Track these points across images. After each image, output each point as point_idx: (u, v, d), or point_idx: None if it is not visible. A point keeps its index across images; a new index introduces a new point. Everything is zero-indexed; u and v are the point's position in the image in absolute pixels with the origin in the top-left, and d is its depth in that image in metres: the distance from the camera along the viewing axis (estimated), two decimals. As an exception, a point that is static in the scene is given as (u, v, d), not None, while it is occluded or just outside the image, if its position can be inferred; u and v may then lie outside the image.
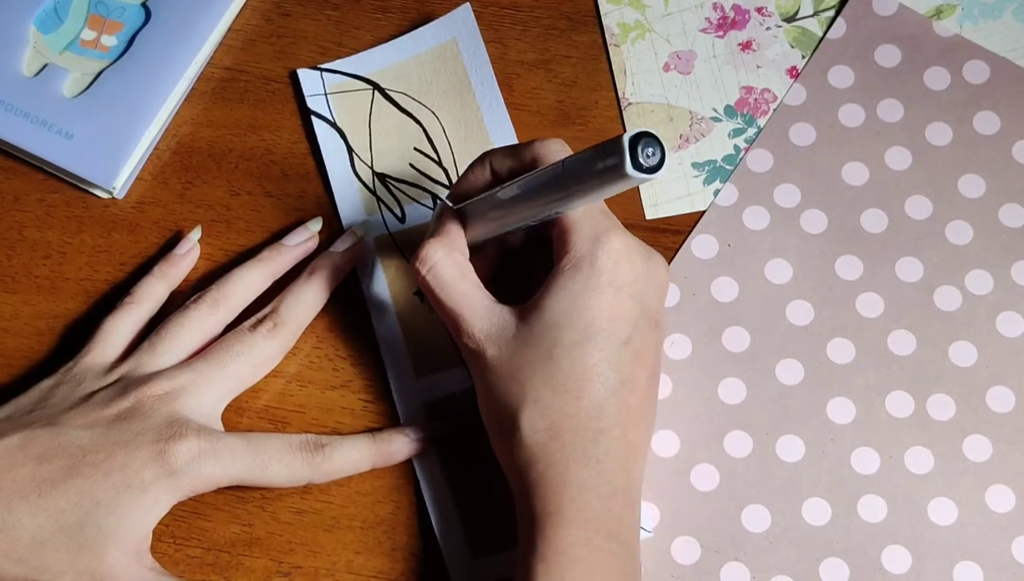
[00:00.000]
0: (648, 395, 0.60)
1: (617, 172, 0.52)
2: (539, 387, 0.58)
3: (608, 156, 0.53)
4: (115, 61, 0.73)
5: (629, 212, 0.70)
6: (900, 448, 0.65)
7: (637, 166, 0.52)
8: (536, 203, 0.58)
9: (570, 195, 0.56)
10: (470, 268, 0.62)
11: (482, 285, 0.62)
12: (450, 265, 0.61)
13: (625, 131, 0.51)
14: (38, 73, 0.72)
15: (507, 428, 0.59)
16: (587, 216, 0.60)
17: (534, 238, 0.65)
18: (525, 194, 0.59)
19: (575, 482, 0.58)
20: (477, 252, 0.64)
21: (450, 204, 0.63)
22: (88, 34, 0.74)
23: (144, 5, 0.74)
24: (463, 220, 0.63)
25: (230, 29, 0.75)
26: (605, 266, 0.59)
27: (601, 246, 0.59)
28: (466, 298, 0.61)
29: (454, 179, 0.71)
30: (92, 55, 0.73)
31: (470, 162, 0.64)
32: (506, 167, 0.62)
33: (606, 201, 0.61)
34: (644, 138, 0.52)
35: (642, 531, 0.64)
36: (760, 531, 0.64)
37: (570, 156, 0.56)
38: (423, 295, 0.69)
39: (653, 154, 0.52)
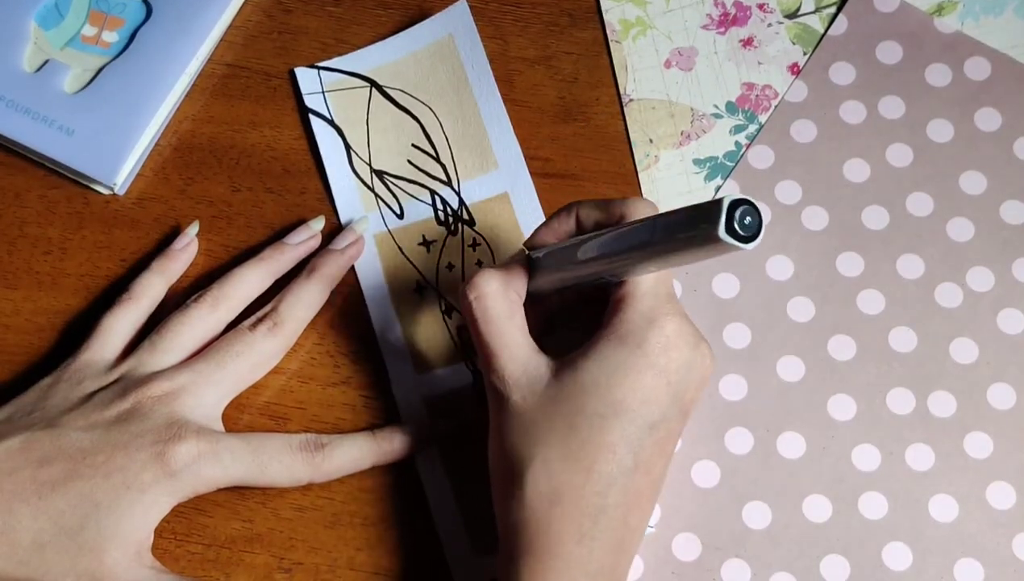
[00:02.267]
0: (658, 481, 0.59)
1: (709, 235, 0.50)
2: (552, 448, 0.57)
3: (703, 218, 0.50)
4: (116, 57, 0.73)
5: (630, 209, 0.70)
6: (901, 445, 0.65)
7: (732, 233, 0.49)
8: (616, 260, 0.56)
9: (654, 254, 0.54)
10: (521, 310, 0.60)
11: (527, 330, 0.60)
12: (500, 300, 0.59)
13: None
14: (39, 69, 0.72)
15: (511, 480, 0.58)
16: (652, 291, 0.58)
17: (591, 295, 0.62)
18: (607, 249, 0.57)
19: (565, 556, 0.56)
20: (537, 301, 0.62)
21: (526, 250, 0.61)
22: (89, 30, 0.74)
23: (145, 1, 0.74)
24: (532, 267, 0.61)
25: (231, 25, 0.75)
26: (652, 349, 0.57)
27: (655, 327, 0.57)
28: (506, 338, 0.59)
29: (452, 175, 0.71)
30: (93, 51, 0.73)
31: (556, 210, 0.62)
32: (593, 220, 0.60)
33: None
34: (744, 205, 0.49)
35: (643, 527, 0.64)
36: (761, 528, 0.64)
37: (662, 214, 0.54)
38: (422, 290, 0.69)
39: (751, 223, 0.50)
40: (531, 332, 0.60)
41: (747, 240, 0.50)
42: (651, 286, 0.58)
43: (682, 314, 0.59)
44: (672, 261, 0.54)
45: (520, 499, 0.57)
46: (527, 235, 0.69)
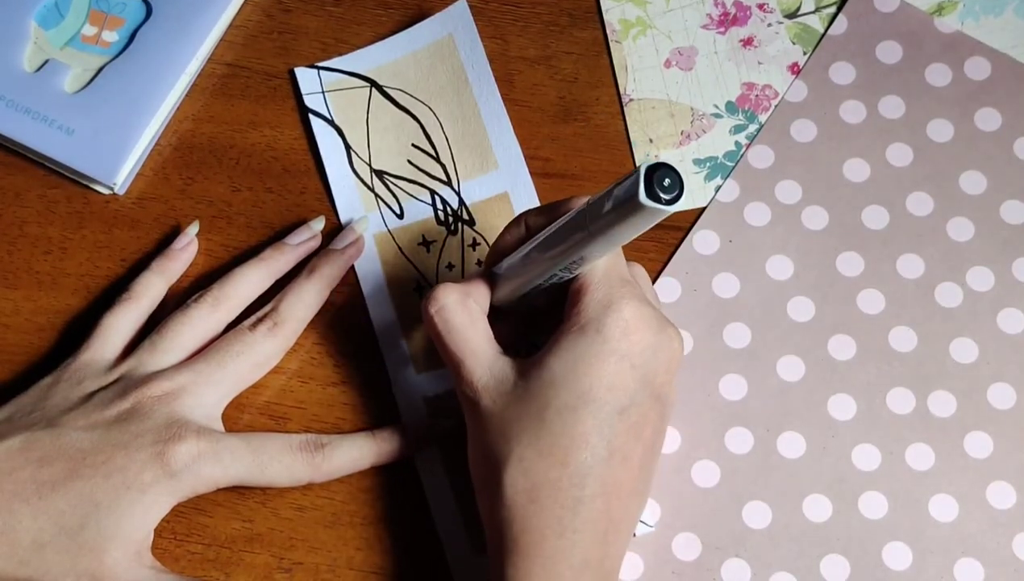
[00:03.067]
0: (641, 470, 0.58)
1: (632, 202, 0.51)
2: (525, 446, 0.57)
3: (624, 189, 0.51)
4: (116, 57, 0.73)
5: (630, 208, 0.70)
6: (901, 444, 0.65)
7: (653, 197, 0.50)
8: (559, 254, 0.57)
9: (590, 236, 0.54)
10: (483, 319, 0.61)
11: (491, 337, 0.60)
12: (460, 310, 0.60)
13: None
14: (39, 69, 0.72)
15: (490, 482, 0.58)
16: (604, 280, 0.58)
17: (557, 300, 0.62)
18: (548, 244, 0.57)
19: (548, 551, 0.56)
20: (506, 315, 0.63)
21: (479, 265, 0.62)
22: (89, 30, 0.74)
23: (145, 1, 0.74)
24: (493, 280, 0.62)
25: (231, 25, 0.75)
26: (612, 333, 0.57)
27: (611, 312, 0.57)
28: (471, 345, 0.59)
29: (452, 175, 0.71)
30: (93, 51, 0.73)
31: (507, 224, 0.62)
32: (539, 224, 0.60)
33: None
34: (661, 169, 0.50)
35: (644, 525, 0.64)
36: (761, 527, 0.64)
37: (590, 197, 0.55)
38: (422, 290, 0.69)
39: (671, 186, 0.50)
40: (505, 348, 0.61)
41: (670, 202, 0.51)
42: (603, 274, 0.59)
43: (640, 298, 0.59)
44: (611, 240, 0.54)
45: (500, 499, 0.57)
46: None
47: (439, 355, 0.68)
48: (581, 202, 0.58)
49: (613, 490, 0.57)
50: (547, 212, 0.60)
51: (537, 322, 0.64)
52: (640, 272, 0.63)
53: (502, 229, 0.62)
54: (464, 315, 0.60)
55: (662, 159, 0.51)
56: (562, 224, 0.57)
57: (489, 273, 0.62)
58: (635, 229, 0.53)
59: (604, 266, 0.59)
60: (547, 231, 0.58)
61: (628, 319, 0.57)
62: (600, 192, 0.54)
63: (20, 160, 0.73)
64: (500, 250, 0.62)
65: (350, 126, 0.72)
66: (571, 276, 0.59)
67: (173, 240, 0.69)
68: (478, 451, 0.59)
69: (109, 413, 0.62)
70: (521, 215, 0.62)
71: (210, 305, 0.66)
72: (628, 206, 0.51)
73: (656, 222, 0.52)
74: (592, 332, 0.57)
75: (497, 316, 0.63)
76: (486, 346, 0.60)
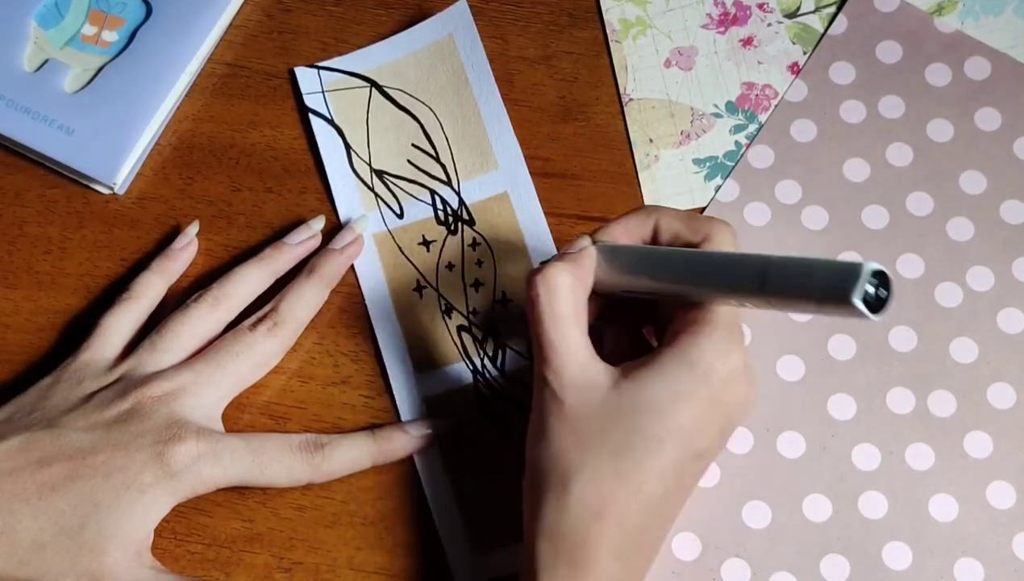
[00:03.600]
0: (686, 500, 0.60)
1: (840, 299, 0.48)
2: (604, 462, 0.56)
3: (833, 278, 0.49)
4: (116, 57, 0.73)
5: (630, 208, 0.70)
6: (901, 444, 0.65)
7: (866, 299, 0.48)
8: (708, 289, 0.56)
9: (758, 300, 0.53)
10: (585, 311, 0.59)
11: (587, 332, 0.59)
12: (569, 297, 0.58)
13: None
14: (39, 68, 0.72)
15: (554, 485, 0.57)
16: (727, 321, 0.57)
17: (656, 311, 0.62)
18: (704, 276, 0.56)
19: (602, 571, 0.56)
20: (592, 296, 0.62)
21: (593, 243, 0.60)
22: (89, 29, 0.74)
23: (145, 1, 0.74)
24: (598, 260, 0.60)
25: (231, 25, 0.75)
26: (718, 380, 0.57)
27: (724, 359, 0.57)
28: (569, 339, 0.58)
29: (452, 175, 0.71)
30: (93, 51, 0.73)
31: (633, 209, 0.61)
32: (673, 231, 0.60)
33: None
34: (881, 276, 0.48)
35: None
36: (761, 527, 0.64)
37: (777, 258, 0.53)
38: (421, 290, 0.69)
39: (885, 295, 0.48)
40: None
41: (874, 310, 0.49)
42: (729, 316, 0.58)
43: (744, 348, 0.58)
44: (774, 307, 0.53)
45: (564, 507, 0.56)
46: (527, 235, 0.69)
47: (439, 355, 0.68)
48: (725, 235, 0.58)
49: (668, 521, 0.58)
50: (685, 223, 0.59)
51: (612, 311, 0.63)
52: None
53: (625, 213, 0.61)
54: (572, 304, 0.58)
55: (882, 267, 0.49)
56: (727, 265, 0.55)
57: (598, 249, 0.60)
58: (814, 313, 0.52)
59: (730, 308, 0.58)
60: (699, 257, 0.56)
61: (734, 370, 0.57)
62: (785, 260, 0.52)
63: (20, 160, 0.73)
64: (616, 236, 0.61)
65: (350, 126, 0.72)
66: (694, 300, 0.57)
67: (173, 240, 0.69)
68: (546, 450, 0.58)
69: (109, 413, 0.62)
70: (653, 210, 0.61)
71: (210, 305, 0.66)
72: (830, 297, 0.49)
73: (845, 317, 0.50)
74: (701, 373, 0.56)
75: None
76: (584, 342, 0.58)
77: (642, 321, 0.64)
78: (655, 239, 0.61)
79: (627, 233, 0.61)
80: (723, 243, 0.59)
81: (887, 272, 0.49)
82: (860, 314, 0.49)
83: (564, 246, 0.61)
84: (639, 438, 0.56)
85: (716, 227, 0.59)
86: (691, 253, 0.57)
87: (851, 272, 0.49)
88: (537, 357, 0.59)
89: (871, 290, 0.49)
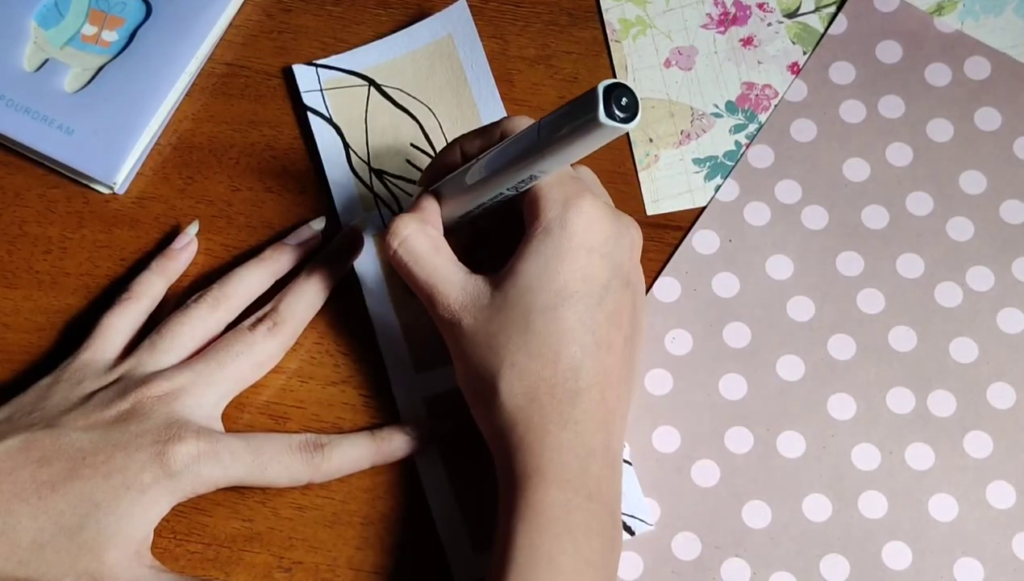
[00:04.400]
0: (625, 357, 0.61)
1: (591, 122, 0.53)
2: (515, 352, 0.59)
3: (582, 108, 0.53)
4: (116, 56, 0.73)
5: (630, 208, 0.70)
6: (901, 444, 0.65)
7: (611, 115, 0.52)
8: (511, 171, 0.59)
9: (545, 155, 0.57)
10: (444, 242, 0.62)
11: (455, 258, 0.62)
12: (423, 239, 0.62)
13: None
14: (39, 68, 0.72)
15: (485, 394, 0.60)
16: (557, 182, 0.60)
17: (505, 214, 0.65)
18: (499, 162, 0.59)
19: (553, 444, 0.58)
20: (452, 234, 0.64)
21: (419, 187, 0.64)
22: (89, 29, 0.74)
23: (145, 1, 0.74)
24: (438, 201, 0.64)
25: (231, 25, 0.75)
26: (576, 229, 0.59)
27: (571, 209, 0.59)
28: (440, 271, 0.61)
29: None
30: (93, 50, 0.73)
31: (439, 152, 0.65)
32: (476, 147, 0.63)
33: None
34: (619, 88, 0.52)
35: (643, 523, 0.64)
36: (761, 527, 0.64)
37: (544, 117, 0.57)
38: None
39: (628, 104, 0.52)
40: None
41: (626, 120, 0.53)
42: (556, 177, 0.60)
43: (592, 191, 0.61)
44: (564, 158, 0.57)
45: (500, 406, 0.59)
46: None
47: (438, 355, 0.68)
48: (523, 122, 0.61)
49: (604, 379, 0.59)
50: (482, 135, 0.63)
51: (482, 243, 0.66)
52: (586, 172, 0.65)
53: (436, 154, 0.65)
54: (427, 242, 0.62)
55: (616, 80, 0.53)
56: (511, 143, 0.59)
57: (431, 193, 0.64)
58: (589, 147, 0.55)
59: (551, 176, 0.61)
60: (493, 151, 0.60)
61: (588, 213, 0.60)
62: (552, 112, 0.56)
63: (20, 160, 0.73)
64: (436, 173, 0.64)
65: (349, 125, 0.72)
66: (516, 194, 0.61)
67: (171, 239, 0.69)
68: (468, 370, 0.61)
69: (109, 413, 0.62)
70: (455, 141, 0.64)
71: (210, 305, 0.66)
72: (585, 124, 0.53)
73: (609, 140, 0.54)
74: (557, 230, 0.59)
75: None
76: (454, 268, 0.61)
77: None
78: (466, 161, 0.63)
79: (443, 166, 0.64)
80: (521, 129, 0.61)
81: (624, 83, 0.53)
82: (615, 128, 0.53)
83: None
84: (535, 315, 0.59)
85: (507, 123, 0.62)
86: (486, 154, 0.61)
87: (591, 96, 0.53)
88: (425, 303, 0.62)
89: (618, 104, 0.53)
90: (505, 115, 0.63)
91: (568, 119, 0.55)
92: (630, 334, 0.61)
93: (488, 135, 0.63)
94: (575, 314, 0.59)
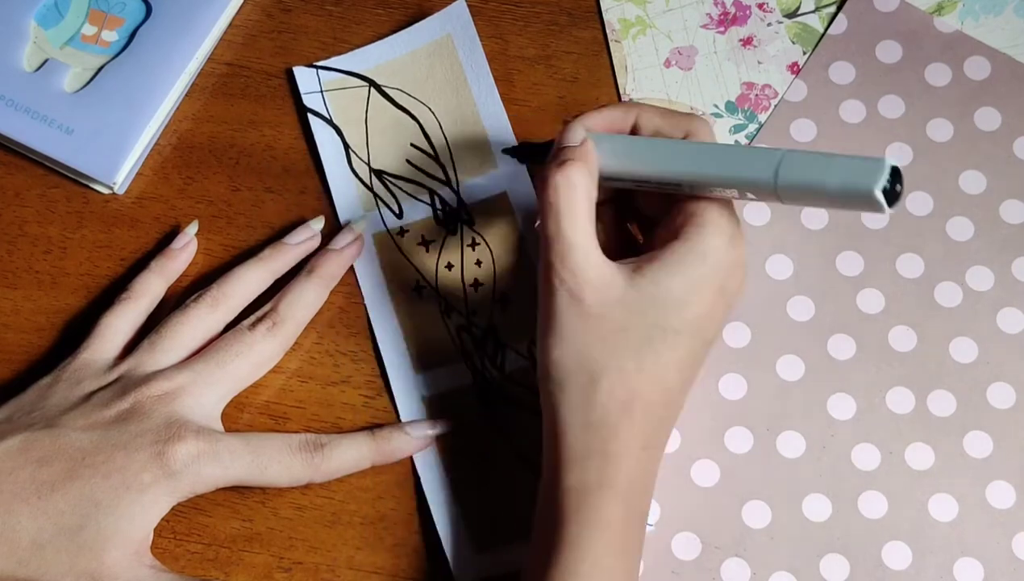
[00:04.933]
0: (688, 394, 0.61)
1: (864, 193, 0.51)
2: (627, 358, 0.58)
3: (859, 172, 0.52)
4: (116, 56, 0.73)
5: (630, 208, 0.70)
6: (901, 444, 0.65)
7: (887, 194, 0.51)
8: (712, 178, 0.57)
9: (766, 191, 0.55)
10: (594, 211, 0.60)
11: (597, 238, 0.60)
12: (587, 197, 0.59)
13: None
14: (39, 68, 0.72)
15: (580, 385, 0.58)
16: (729, 212, 0.59)
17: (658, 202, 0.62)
18: (710, 163, 0.57)
19: (634, 461, 0.58)
20: None
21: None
22: (89, 29, 0.74)
23: (145, 0, 0.74)
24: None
25: (231, 25, 0.75)
26: (729, 270, 0.59)
27: (734, 249, 0.59)
28: (587, 237, 0.59)
29: (451, 175, 0.71)
30: (93, 50, 0.73)
31: (608, 105, 0.62)
32: (654, 127, 0.61)
33: None
34: (896, 171, 0.52)
35: (644, 524, 0.64)
36: (760, 527, 0.64)
37: (792, 151, 0.55)
38: (421, 290, 0.69)
39: (900, 190, 0.51)
40: None
41: (893, 202, 0.52)
42: (730, 206, 0.60)
43: (743, 235, 0.60)
44: (777, 199, 0.56)
45: (594, 403, 0.58)
46: (525, 235, 0.69)
47: (438, 355, 0.68)
48: (701, 127, 0.60)
49: (679, 411, 0.60)
50: (666, 120, 0.61)
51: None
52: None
53: (602, 106, 0.62)
54: (588, 204, 0.59)
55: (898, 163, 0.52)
56: (737, 158, 0.56)
57: (595, 139, 0.61)
58: (828, 206, 0.55)
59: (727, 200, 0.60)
60: (705, 149, 0.57)
61: (738, 258, 0.59)
62: (803, 154, 0.54)
63: (20, 159, 0.73)
64: (597, 127, 0.61)
65: (349, 125, 0.72)
66: (687, 193, 0.59)
67: (171, 239, 0.69)
68: (570, 348, 0.58)
69: (108, 413, 0.62)
70: (633, 107, 0.62)
71: (209, 305, 0.66)
72: (857, 193, 0.52)
73: (857, 210, 0.53)
74: (712, 263, 0.58)
75: None
76: (595, 242, 0.59)
77: (626, 216, 0.65)
78: (634, 134, 0.62)
79: (607, 125, 0.62)
80: (704, 138, 0.60)
81: (901, 169, 0.52)
82: (879, 206, 0.52)
83: (558, 137, 0.61)
84: (658, 332, 0.58)
85: (696, 123, 0.61)
86: (698, 145, 0.59)
87: (874, 166, 0.52)
88: (551, 256, 0.59)
89: (888, 185, 0.52)
90: (693, 115, 0.61)
91: (828, 177, 0.53)
92: None
93: (673, 124, 0.60)
94: (691, 349, 0.59)
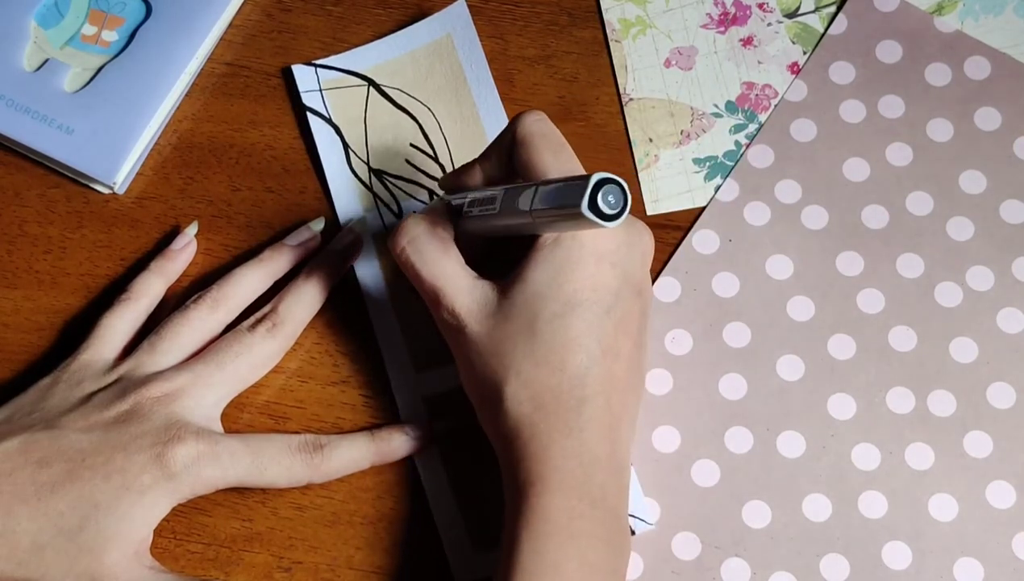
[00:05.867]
0: (632, 364, 0.60)
1: (572, 210, 0.52)
2: (521, 360, 0.59)
3: (570, 192, 0.53)
4: (116, 56, 0.73)
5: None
6: (901, 444, 0.65)
7: (595, 209, 0.52)
8: (512, 222, 0.59)
9: (534, 224, 0.57)
10: (453, 246, 0.62)
11: (463, 262, 0.62)
12: (432, 240, 0.61)
13: (591, 174, 0.52)
14: (39, 68, 0.72)
15: (491, 400, 0.59)
16: None
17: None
18: (503, 211, 0.59)
19: (558, 451, 0.58)
20: (463, 242, 0.64)
21: (440, 194, 0.64)
22: (89, 29, 0.74)
23: (145, 0, 0.74)
24: (451, 210, 0.63)
25: (231, 25, 0.75)
26: (587, 236, 0.59)
27: (614, 233, 0.59)
28: (447, 273, 0.61)
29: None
30: (93, 50, 0.73)
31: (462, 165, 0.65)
32: (493, 166, 0.63)
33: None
34: (609, 184, 0.52)
35: (644, 523, 0.64)
36: (761, 527, 0.64)
37: (542, 183, 0.56)
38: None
39: (616, 203, 0.52)
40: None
41: (609, 218, 0.52)
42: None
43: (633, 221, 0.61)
44: (553, 229, 0.57)
45: (505, 413, 0.59)
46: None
47: (439, 355, 0.68)
48: (533, 120, 0.61)
49: (611, 386, 0.59)
50: (495, 149, 0.62)
51: (493, 253, 0.65)
52: None
53: (460, 167, 0.64)
54: (436, 244, 0.61)
55: (610, 175, 0.52)
56: (510, 204, 0.58)
57: (446, 204, 0.63)
58: (574, 229, 0.56)
59: None
60: (499, 207, 0.59)
61: (628, 238, 0.60)
62: (551, 181, 0.55)
63: (20, 159, 0.73)
64: (455, 183, 0.64)
65: (348, 125, 0.72)
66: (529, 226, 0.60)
67: (170, 240, 0.69)
68: (473, 376, 0.60)
69: (108, 414, 0.62)
70: (475, 162, 0.64)
71: (209, 306, 0.66)
72: (569, 210, 0.53)
73: (594, 228, 0.54)
74: (568, 238, 0.59)
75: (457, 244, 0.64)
76: (462, 272, 0.61)
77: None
78: (487, 179, 0.63)
79: (463, 187, 0.64)
80: (530, 128, 0.61)
81: (620, 181, 0.52)
82: (594, 223, 0.52)
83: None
84: (541, 322, 0.58)
85: (519, 127, 0.61)
86: (496, 195, 0.60)
87: (580, 186, 0.52)
88: (429, 305, 0.62)
89: (604, 199, 0.52)
90: (506, 116, 0.63)
91: (554, 198, 0.54)
92: (638, 341, 0.61)
93: (498, 147, 0.62)
94: (583, 322, 0.59)
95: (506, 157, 0.62)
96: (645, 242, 0.61)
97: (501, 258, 0.64)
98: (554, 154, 0.60)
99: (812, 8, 0.74)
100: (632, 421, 0.61)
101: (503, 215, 0.59)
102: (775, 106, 0.72)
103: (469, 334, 0.60)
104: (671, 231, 0.70)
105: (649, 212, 0.70)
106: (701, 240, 0.69)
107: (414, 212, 0.62)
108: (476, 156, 0.64)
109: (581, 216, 0.52)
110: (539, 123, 0.61)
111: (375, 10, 0.75)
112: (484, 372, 0.60)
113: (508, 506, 0.59)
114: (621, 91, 0.73)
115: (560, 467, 0.58)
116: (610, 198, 0.52)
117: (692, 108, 0.72)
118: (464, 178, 0.64)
